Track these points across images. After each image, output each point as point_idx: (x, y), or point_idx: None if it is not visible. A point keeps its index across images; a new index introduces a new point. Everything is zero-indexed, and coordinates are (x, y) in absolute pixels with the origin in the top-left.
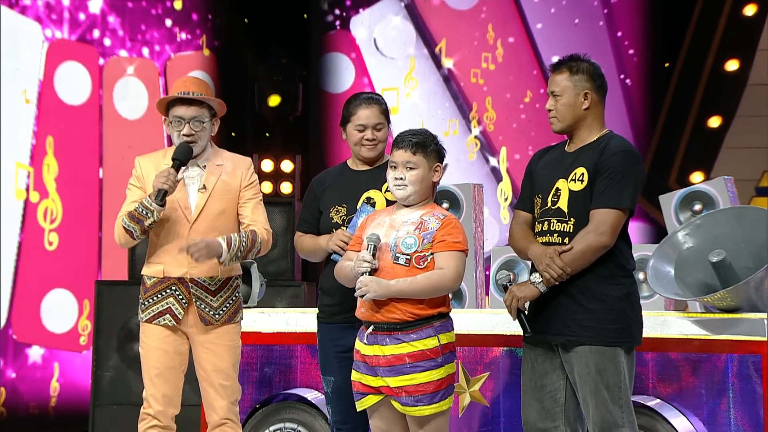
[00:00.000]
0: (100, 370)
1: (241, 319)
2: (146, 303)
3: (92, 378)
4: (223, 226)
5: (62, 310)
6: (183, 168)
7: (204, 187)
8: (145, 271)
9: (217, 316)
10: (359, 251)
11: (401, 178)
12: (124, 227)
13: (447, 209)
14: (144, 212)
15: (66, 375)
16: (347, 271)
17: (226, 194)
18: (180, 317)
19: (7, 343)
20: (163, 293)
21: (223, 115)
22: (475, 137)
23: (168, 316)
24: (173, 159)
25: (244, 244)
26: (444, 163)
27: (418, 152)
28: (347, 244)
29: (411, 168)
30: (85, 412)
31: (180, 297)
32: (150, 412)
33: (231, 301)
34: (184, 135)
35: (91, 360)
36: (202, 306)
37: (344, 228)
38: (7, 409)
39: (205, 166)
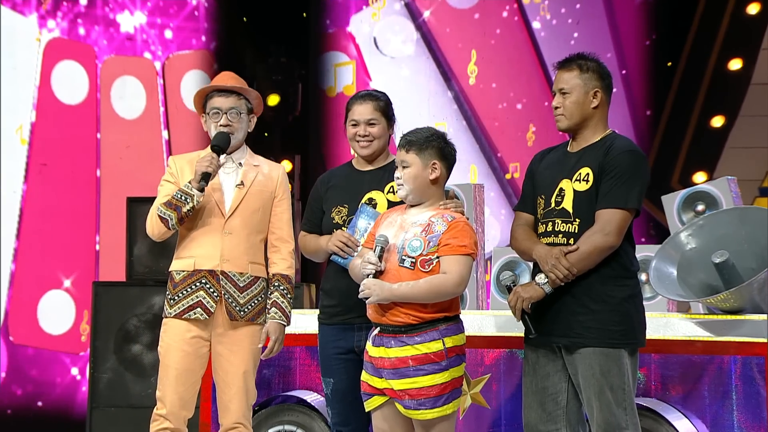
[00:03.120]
0: (98, 372)
1: (263, 321)
2: (176, 298)
3: (90, 380)
4: (256, 225)
5: (59, 312)
6: (223, 155)
7: (242, 183)
8: (174, 266)
9: (242, 312)
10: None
11: (398, 178)
12: (160, 215)
13: None
14: (183, 198)
15: (63, 377)
16: (358, 270)
17: (263, 193)
18: (212, 310)
19: (3, 345)
20: (193, 286)
21: (260, 113)
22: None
23: (199, 309)
24: (212, 146)
25: (290, 298)
26: (448, 160)
27: (411, 150)
28: (346, 245)
29: (405, 166)
30: (83, 414)
31: (211, 290)
32: (163, 413)
33: (257, 301)
34: (221, 126)
35: (89, 362)
36: (230, 300)
37: (344, 228)
38: (5, 412)
39: (241, 164)
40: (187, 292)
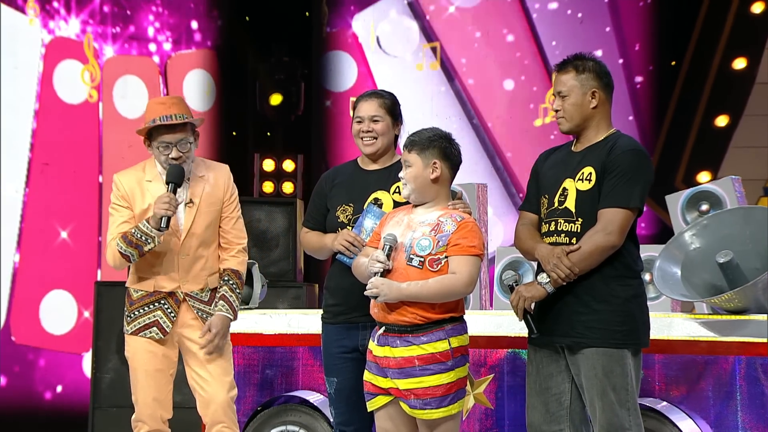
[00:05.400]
0: (100, 372)
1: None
2: (132, 315)
3: (92, 380)
4: (209, 238)
5: (61, 312)
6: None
7: (191, 201)
8: (132, 284)
9: None
10: (377, 248)
11: (402, 177)
12: (120, 252)
13: None
14: (143, 238)
15: (65, 377)
16: (363, 268)
17: (211, 206)
18: (168, 330)
19: (5, 344)
20: (151, 306)
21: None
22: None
23: (155, 329)
24: (168, 183)
25: (238, 293)
26: (451, 160)
27: (412, 150)
28: (352, 245)
29: (407, 166)
30: (85, 414)
31: (168, 311)
32: (139, 417)
33: None
34: (172, 158)
35: (91, 362)
36: (204, 316)
37: (350, 228)
38: (6, 412)
39: (188, 179)
40: (145, 311)
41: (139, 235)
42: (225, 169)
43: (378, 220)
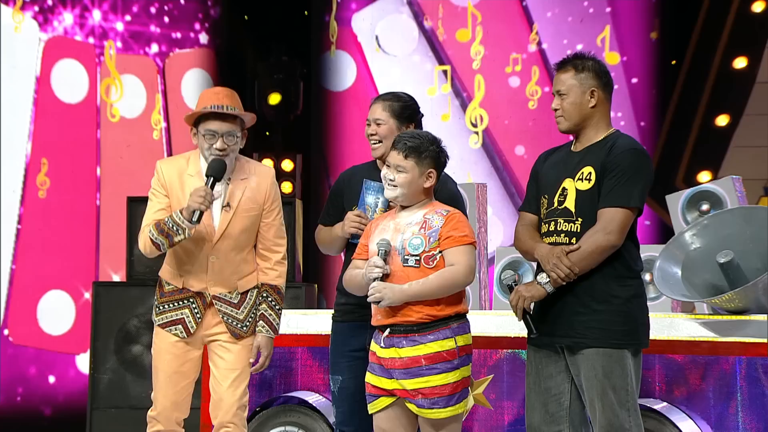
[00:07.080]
0: (98, 373)
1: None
2: (162, 307)
3: (89, 381)
4: (243, 242)
5: (59, 312)
6: (218, 184)
7: (228, 204)
8: (164, 274)
9: (245, 328)
10: (366, 260)
11: (392, 179)
12: (152, 239)
13: None
14: (175, 228)
15: (63, 378)
16: (358, 279)
17: (250, 211)
18: (192, 331)
19: (2, 345)
20: (180, 303)
21: (251, 125)
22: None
23: (180, 327)
24: (208, 176)
25: (278, 308)
26: (442, 167)
27: (410, 157)
28: (362, 223)
29: (400, 171)
30: (83, 415)
31: (195, 311)
32: (155, 415)
33: (255, 311)
34: (216, 149)
35: (89, 362)
36: (230, 320)
37: (354, 208)
38: (4, 412)
39: (229, 179)
40: (173, 306)
41: (171, 225)
42: (270, 173)
43: (378, 194)
